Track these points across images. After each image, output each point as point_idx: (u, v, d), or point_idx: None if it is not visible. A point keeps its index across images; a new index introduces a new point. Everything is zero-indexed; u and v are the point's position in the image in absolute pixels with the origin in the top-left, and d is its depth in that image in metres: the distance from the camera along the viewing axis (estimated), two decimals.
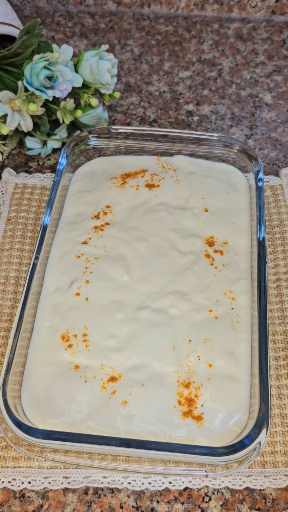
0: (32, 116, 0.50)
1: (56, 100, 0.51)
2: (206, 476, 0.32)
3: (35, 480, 0.36)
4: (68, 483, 0.36)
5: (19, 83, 0.47)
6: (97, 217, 0.45)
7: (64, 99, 0.51)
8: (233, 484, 0.36)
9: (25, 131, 0.51)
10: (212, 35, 0.69)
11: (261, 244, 0.41)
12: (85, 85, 0.53)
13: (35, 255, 0.40)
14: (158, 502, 0.35)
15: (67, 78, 0.49)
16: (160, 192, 0.47)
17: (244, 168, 0.49)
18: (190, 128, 0.58)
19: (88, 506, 0.35)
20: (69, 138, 0.55)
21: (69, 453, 0.33)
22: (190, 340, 0.38)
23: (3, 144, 0.54)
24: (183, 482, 0.36)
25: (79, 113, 0.51)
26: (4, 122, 0.49)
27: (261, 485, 0.35)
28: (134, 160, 0.51)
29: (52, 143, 0.54)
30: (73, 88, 0.51)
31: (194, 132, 0.49)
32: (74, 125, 0.56)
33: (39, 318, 0.40)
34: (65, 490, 0.36)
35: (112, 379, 0.36)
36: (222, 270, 0.42)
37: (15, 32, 0.60)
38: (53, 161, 0.55)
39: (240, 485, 0.36)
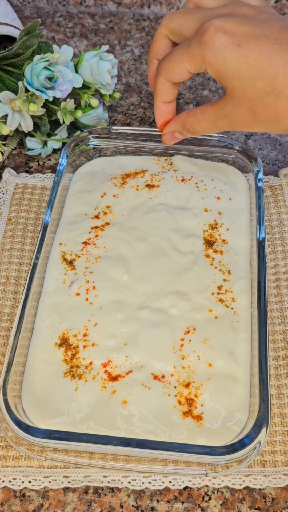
0: (32, 117, 0.50)
1: (56, 101, 0.51)
2: (206, 475, 0.32)
3: (36, 480, 0.36)
4: (69, 482, 0.36)
5: (20, 83, 0.47)
6: (97, 217, 0.46)
7: (65, 99, 0.51)
8: (233, 484, 0.36)
9: (26, 131, 0.51)
10: None
11: (261, 244, 0.41)
12: (85, 86, 0.53)
13: (36, 255, 0.41)
14: (158, 501, 0.35)
15: (67, 78, 0.49)
16: (160, 192, 0.47)
17: (244, 168, 0.49)
18: None
19: (88, 505, 0.35)
20: (69, 138, 0.55)
21: (69, 452, 0.34)
22: (190, 340, 0.38)
23: (4, 144, 0.54)
24: (183, 482, 0.36)
25: (79, 113, 0.51)
26: (5, 123, 0.49)
27: (261, 485, 0.36)
28: (134, 160, 0.51)
29: (53, 143, 0.54)
30: (73, 88, 0.51)
31: None
32: (74, 126, 0.56)
33: (40, 318, 0.40)
34: (65, 489, 0.36)
35: (112, 378, 0.36)
36: (222, 270, 0.42)
37: (15, 33, 0.60)
38: (54, 161, 0.55)
39: (240, 485, 0.36)
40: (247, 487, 0.36)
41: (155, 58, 0.40)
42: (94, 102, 0.52)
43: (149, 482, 0.36)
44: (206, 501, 0.35)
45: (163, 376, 0.36)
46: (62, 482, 0.36)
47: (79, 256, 0.43)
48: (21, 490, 0.36)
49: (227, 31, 0.32)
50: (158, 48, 0.39)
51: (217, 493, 0.36)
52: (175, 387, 0.36)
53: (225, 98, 0.34)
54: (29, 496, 0.36)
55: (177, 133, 0.40)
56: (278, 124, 0.33)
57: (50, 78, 0.48)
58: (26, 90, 0.48)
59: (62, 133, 0.54)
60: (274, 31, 0.32)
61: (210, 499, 0.36)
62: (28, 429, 0.33)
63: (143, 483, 0.36)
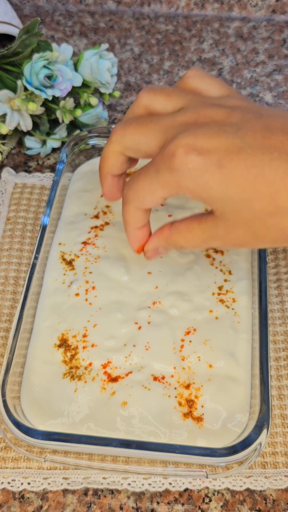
0: (31, 116, 0.50)
1: (55, 100, 0.51)
2: (206, 477, 0.32)
3: (35, 481, 0.36)
4: (68, 484, 0.36)
5: (19, 82, 0.47)
6: (96, 216, 0.45)
7: (64, 98, 0.50)
8: (233, 485, 0.35)
9: (25, 130, 0.50)
10: (212, 34, 0.69)
11: None
12: (85, 85, 0.52)
13: (35, 255, 0.40)
14: (158, 503, 0.35)
15: (67, 77, 0.49)
16: None
17: None
18: None
19: (88, 507, 0.35)
20: (69, 137, 0.55)
21: (68, 454, 0.33)
22: (190, 341, 0.38)
23: (3, 144, 0.54)
24: (183, 483, 0.36)
25: (78, 112, 0.51)
26: (4, 122, 0.49)
27: (262, 486, 0.35)
28: None
29: (52, 143, 0.54)
30: (73, 87, 0.51)
31: None
32: (74, 125, 0.56)
33: (39, 318, 0.39)
34: (65, 491, 0.36)
35: (112, 379, 0.36)
36: (223, 270, 0.41)
37: (14, 31, 0.60)
38: (53, 160, 0.55)
39: (241, 486, 0.35)
40: (247, 489, 0.36)
41: (109, 175, 0.34)
42: (94, 101, 0.52)
43: (149, 484, 0.36)
44: (206, 503, 0.35)
45: (163, 377, 0.36)
46: (62, 484, 0.36)
47: (78, 256, 0.43)
48: (20, 491, 0.36)
49: (201, 150, 0.26)
50: (112, 165, 0.33)
51: (217, 495, 0.36)
52: (175, 388, 0.36)
53: (215, 219, 0.28)
54: (28, 498, 0.36)
55: (161, 249, 0.34)
56: (287, 242, 0.28)
57: (49, 77, 0.48)
58: (25, 89, 0.47)
59: (61, 132, 0.54)
60: (257, 137, 0.26)
61: (210, 500, 0.35)
62: (27, 430, 0.32)
63: (143, 484, 0.35)
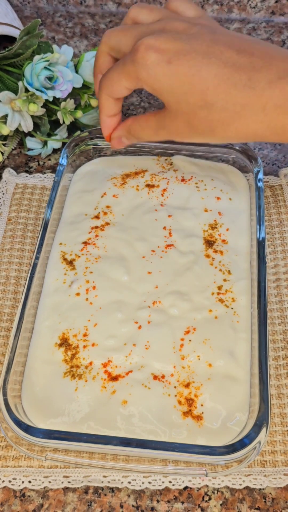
0: (32, 117, 0.50)
1: (56, 101, 0.51)
2: (206, 475, 0.32)
3: (36, 480, 0.36)
4: (69, 482, 0.36)
5: (20, 83, 0.47)
6: (97, 217, 0.46)
7: (65, 99, 0.51)
8: (233, 484, 0.36)
9: (26, 131, 0.51)
10: None
11: (261, 244, 0.41)
12: (86, 86, 0.53)
13: (36, 255, 0.41)
14: (158, 501, 0.35)
15: (68, 78, 0.49)
16: (160, 192, 0.47)
17: (244, 168, 0.49)
18: None
19: (88, 505, 0.35)
20: (70, 138, 0.55)
21: (69, 452, 0.34)
22: (190, 340, 0.38)
23: (4, 144, 0.54)
24: (183, 482, 0.36)
25: (79, 113, 0.51)
26: (5, 123, 0.49)
27: (261, 485, 0.36)
28: (134, 160, 0.51)
29: (53, 143, 0.54)
30: (73, 88, 0.51)
31: None
32: (75, 126, 0.56)
33: (39, 318, 0.40)
34: (65, 489, 0.36)
35: (112, 378, 0.36)
36: (222, 270, 0.42)
37: (15, 33, 0.60)
38: (54, 161, 0.55)
39: (240, 484, 0.36)
40: (247, 487, 0.36)
41: (99, 74, 0.41)
42: (94, 102, 0.52)
43: (149, 482, 0.36)
44: (206, 501, 0.35)
45: (163, 376, 0.36)
46: (62, 482, 0.36)
47: (79, 256, 0.43)
48: (21, 490, 0.36)
49: (158, 49, 0.32)
50: (101, 64, 0.39)
51: (217, 493, 0.36)
52: (175, 387, 0.36)
53: (164, 111, 0.35)
54: (29, 496, 0.36)
55: (123, 138, 0.40)
56: (214, 135, 0.34)
57: (50, 78, 0.48)
58: (26, 90, 0.48)
59: (62, 133, 0.54)
60: (203, 45, 0.32)
61: (210, 499, 0.36)
62: (28, 429, 0.33)
63: (143, 483, 0.36)
